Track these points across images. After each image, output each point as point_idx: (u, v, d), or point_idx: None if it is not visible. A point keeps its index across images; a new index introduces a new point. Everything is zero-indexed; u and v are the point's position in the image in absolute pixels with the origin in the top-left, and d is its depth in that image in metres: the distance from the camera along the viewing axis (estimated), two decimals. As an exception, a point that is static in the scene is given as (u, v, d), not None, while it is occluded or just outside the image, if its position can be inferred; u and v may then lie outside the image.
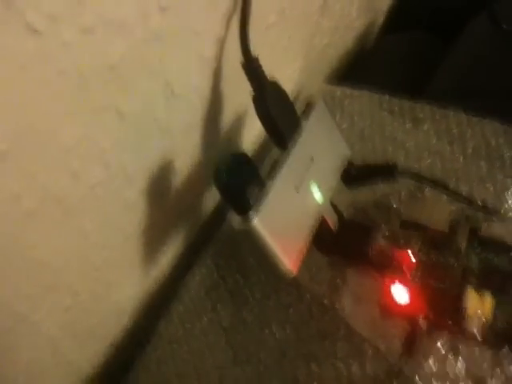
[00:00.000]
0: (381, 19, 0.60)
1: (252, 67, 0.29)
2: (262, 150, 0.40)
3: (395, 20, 0.61)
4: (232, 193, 0.28)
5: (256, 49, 0.32)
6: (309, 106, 0.32)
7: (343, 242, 0.34)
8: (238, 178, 0.28)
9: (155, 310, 0.38)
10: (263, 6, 0.33)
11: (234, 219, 0.29)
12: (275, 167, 0.30)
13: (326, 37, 0.46)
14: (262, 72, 0.29)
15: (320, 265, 0.35)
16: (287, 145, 0.30)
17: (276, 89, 0.30)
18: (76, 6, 0.21)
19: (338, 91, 0.44)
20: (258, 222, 0.28)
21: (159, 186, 0.31)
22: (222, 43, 0.30)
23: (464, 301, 0.30)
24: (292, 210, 0.30)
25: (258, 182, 0.29)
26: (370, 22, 0.57)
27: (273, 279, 0.34)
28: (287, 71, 0.42)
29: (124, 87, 0.25)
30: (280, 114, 0.30)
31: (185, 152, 0.32)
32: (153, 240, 0.34)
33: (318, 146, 0.32)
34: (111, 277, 0.32)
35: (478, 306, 0.30)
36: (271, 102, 0.30)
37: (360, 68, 0.53)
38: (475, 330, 0.30)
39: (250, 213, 0.28)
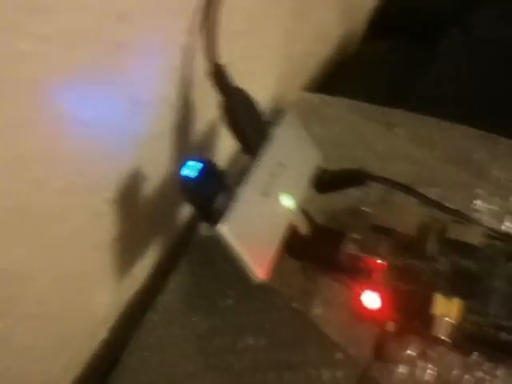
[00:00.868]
0: (362, 27, 0.60)
1: (217, 75, 0.30)
2: (237, 158, 0.41)
3: (378, 27, 0.61)
4: (199, 200, 0.29)
5: (227, 57, 0.33)
6: (278, 114, 0.33)
7: (314, 248, 0.34)
8: (204, 184, 0.28)
9: (133, 319, 0.38)
10: (232, 15, 0.33)
11: (204, 226, 0.29)
12: (243, 174, 0.30)
13: (303, 45, 0.46)
14: (228, 80, 0.30)
15: (292, 270, 0.35)
16: (256, 152, 0.31)
17: (243, 96, 0.30)
18: (31, 15, 0.21)
19: (315, 98, 0.44)
20: (225, 228, 0.28)
21: (129, 195, 0.32)
22: (189, 52, 0.31)
23: (432, 307, 0.30)
24: (261, 216, 0.31)
25: (225, 189, 0.29)
26: (350, 30, 0.57)
27: (246, 285, 0.34)
28: (263, 80, 0.43)
29: (85, 95, 0.25)
30: (247, 122, 0.31)
31: (156, 161, 0.33)
32: (126, 249, 0.34)
33: (287, 152, 0.32)
34: (82, 285, 0.32)
35: (447, 312, 0.30)
36: (237, 109, 0.30)
37: (341, 76, 0.54)
38: (444, 336, 0.30)
39: (218, 220, 0.28)
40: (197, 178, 0.28)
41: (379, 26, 0.61)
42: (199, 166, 0.28)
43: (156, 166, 0.33)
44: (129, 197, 0.32)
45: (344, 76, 0.53)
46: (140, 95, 0.29)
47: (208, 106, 0.31)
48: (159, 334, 0.35)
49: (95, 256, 0.32)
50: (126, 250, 0.34)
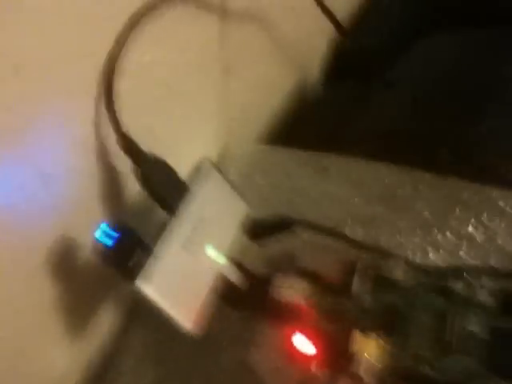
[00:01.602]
0: (314, 72, 0.62)
1: (123, 144, 0.32)
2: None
3: (332, 72, 0.64)
4: (115, 261, 0.30)
5: (153, 122, 0.35)
6: (195, 169, 0.34)
7: (246, 296, 0.35)
8: (118, 246, 0.30)
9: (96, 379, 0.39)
10: (146, 85, 0.35)
11: (127, 286, 0.30)
12: (161, 231, 0.32)
13: (242, 98, 0.48)
14: (135, 147, 0.32)
15: (231, 317, 0.36)
16: (175, 210, 0.32)
17: (154, 159, 0.32)
18: None
19: (256, 150, 0.46)
20: (143, 284, 0.30)
21: (62, 261, 0.33)
22: (95, 123, 0.33)
23: (351, 345, 0.31)
24: (184, 269, 0.32)
25: (142, 248, 0.31)
26: (300, 78, 0.59)
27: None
28: (202, 135, 0.45)
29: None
30: (162, 183, 0.33)
31: (83, 228, 0.34)
32: (73, 309, 0.36)
33: (208, 206, 0.34)
34: (29, 348, 0.33)
35: (366, 349, 0.31)
36: (150, 172, 0.32)
37: (292, 124, 0.56)
38: (365, 374, 0.30)
39: (135, 276, 0.30)
40: (109, 239, 0.30)
41: (333, 70, 0.63)
42: (112, 227, 0.30)
43: (86, 233, 0.35)
44: (64, 262, 0.34)
45: (294, 123, 0.55)
46: (46, 167, 0.31)
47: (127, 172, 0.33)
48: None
49: (38, 318, 0.33)
50: (75, 311, 0.36)
